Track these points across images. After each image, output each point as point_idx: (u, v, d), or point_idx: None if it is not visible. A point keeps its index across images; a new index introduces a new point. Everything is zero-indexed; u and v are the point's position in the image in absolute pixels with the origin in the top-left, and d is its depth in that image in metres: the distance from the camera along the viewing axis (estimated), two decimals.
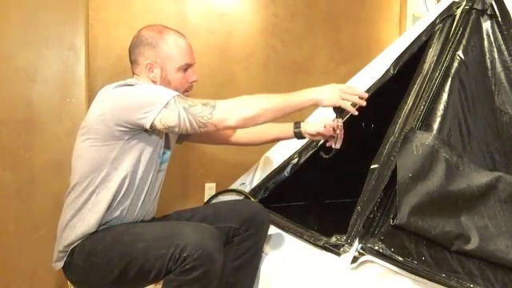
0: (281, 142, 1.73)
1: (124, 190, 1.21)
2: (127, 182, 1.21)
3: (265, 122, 1.25)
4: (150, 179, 1.27)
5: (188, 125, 1.17)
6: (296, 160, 1.64)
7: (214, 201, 1.67)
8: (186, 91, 1.34)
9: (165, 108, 1.15)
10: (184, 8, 2.13)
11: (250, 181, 1.70)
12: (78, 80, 1.73)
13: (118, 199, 1.21)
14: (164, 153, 1.32)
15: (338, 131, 1.39)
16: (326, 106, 1.28)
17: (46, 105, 1.70)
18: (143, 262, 1.07)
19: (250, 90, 2.21)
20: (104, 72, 1.93)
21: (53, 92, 1.71)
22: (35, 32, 1.67)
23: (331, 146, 1.41)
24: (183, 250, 1.02)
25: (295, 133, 1.48)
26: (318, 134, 1.44)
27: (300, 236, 1.30)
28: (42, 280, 1.75)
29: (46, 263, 1.77)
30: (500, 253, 1.11)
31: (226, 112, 1.18)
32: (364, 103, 1.29)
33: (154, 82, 1.29)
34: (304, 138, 1.50)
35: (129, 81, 1.27)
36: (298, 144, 1.64)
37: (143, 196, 1.26)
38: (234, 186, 1.73)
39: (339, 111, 1.36)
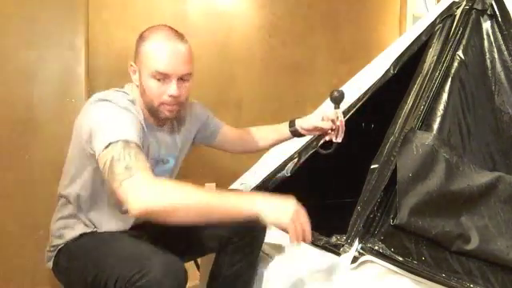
0: None
1: (95, 200, 1.19)
2: (93, 193, 1.18)
3: (181, 223, 0.98)
4: None
5: (107, 176, 1.02)
6: (296, 160, 1.64)
7: None
8: (164, 104, 1.18)
9: (105, 148, 1.02)
10: (184, 8, 2.13)
11: (249, 181, 1.70)
12: (77, 80, 1.74)
13: (94, 210, 1.19)
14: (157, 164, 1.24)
15: (337, 122, 1.31)
16: (269, 224, 1.01)
17: (45, 105, 1.70)
18: (108, 276, 1.04)
19: (250, 90, 2.22)
20: (104, 72, 1.93)
21: (53, 92, 1.71)
22: (35, 32, 1.67)
23: (331, 141, 1.36)
24: (140, 279, 0.97)
25: (291, 132, 1.43)
26: (316, 128, 1.37)
27: None
28: (42, 280, 1.75)
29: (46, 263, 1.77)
30: (500, 253, 1.11)
31: (134, 192, 0.96)
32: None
33: (137, 86, 1.21)
34: (303, 135, 1.44)
35: (109, 94, 1.15)
36: (298, 144, 1.63)
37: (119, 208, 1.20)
38: (234, 186, 1.73)
39: (336, 100, 1.29)
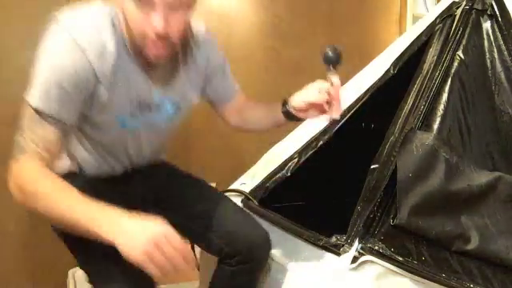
0: (281, 142, 1.73)
1: (79, 137, 1.06)
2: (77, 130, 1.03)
3: (46, 216, 0.86)
4: (108, 141, 1.06)
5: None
6: (296, 160, 1.64)
7: None
8: (149, 42, 0.91)
9: (27, 102, 0.91)
10: None
11: (250, 181, 1.70)
12: None
13: (79, 146, 1.08)
14: (135, 116, 1.02)
15: (331, 91, 1.05)
16: (125, 254, 0.78)
17: None
18: (80, 262, 1.04)
19: (251, 91, 2.22)
20: None
21: None
22: (35, 32, 1.67)
23: (331, 122, 1.12)
24: None
25: (284, 113, 1.17)
26: (308, 104, 1.10)
27: (300, 236, 1.30)
28: (42, 280, 1.75)
29: (46, 263, 1.77)
30: (500, 253, 1.11)
31: (12, 177, 0.90)
32: None
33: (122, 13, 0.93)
34: (297, 118, 1.16)
35: (80, 16, 0.92)
36: (298, 144, 1.64)
37: (104, 153, 1.08)
38: (234, 186, 1.73)
39: (331, 60, 1.05)
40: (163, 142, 1.21)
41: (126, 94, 0.99)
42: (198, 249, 1.38)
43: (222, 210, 1.20)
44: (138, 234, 0.78)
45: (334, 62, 1.07)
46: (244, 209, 1.36)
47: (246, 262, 1.16)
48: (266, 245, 1.20)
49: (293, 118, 1.18)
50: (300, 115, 1.16)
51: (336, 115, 1.08)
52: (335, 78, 1.06)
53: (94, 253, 0.96)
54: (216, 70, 1.21)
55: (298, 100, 1.13)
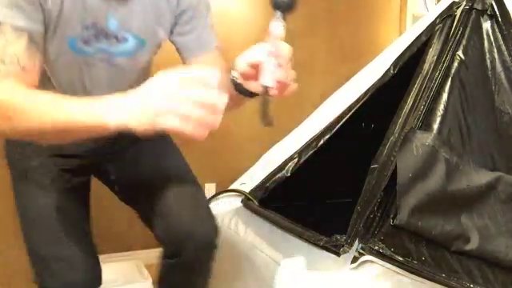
0: (281, 142, 1.73)
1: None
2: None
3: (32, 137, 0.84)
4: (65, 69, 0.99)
5: None
6: (296, 160, 1.64)
7: (214, 202, 1.67)
8: None
9: None
10: None
11: (250, 181, 1.70)
12: None
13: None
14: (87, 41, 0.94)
15: (272, 48, 0.82)
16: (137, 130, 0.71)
17: None
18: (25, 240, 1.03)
19: None
20: None
21: None
22: None
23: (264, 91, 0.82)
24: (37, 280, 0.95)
25: (232, 82, 0.92)
26: (249, 64, 0.87)
27: (300, 236, 1.30)
28: None
29: None
30: (500, 253, 1.11)
31: None
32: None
33: None
34: (248, 92, 0.91)
35: None
36: (298, 144, 1.63)
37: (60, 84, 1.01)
38: (233, 186, 1.73)
39: (281, 5, 0.83)
40: (129, 84, 0.98)
41: (79, 14, 0.91)
42: None
43: (172, 200, 1.09)
44: (143, 111, 0.70)
45: (284, 7, 0.84)
46: (204, 200, 1.20)
47: (185, 260, 1.06)
48: (208, 247, 1.08)
49: (243, 91, 0.93)
50: (249, 86, 0.91)
51: (268, 81, 0.82)
52: (277, 27, 0.80)
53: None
54: (188, 9, 1.06)
55: (241, 63, 0.89)
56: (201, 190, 1.19)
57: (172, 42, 1.09)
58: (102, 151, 1.12)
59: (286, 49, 0.88)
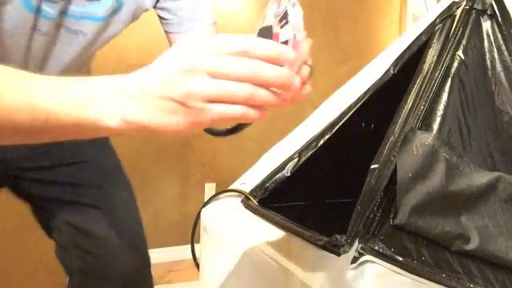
0: (281, 142, 1.73)
1: None
2: None
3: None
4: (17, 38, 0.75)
5: None
6: (296, 160, 1.64)
7: (214, 201, 1.67)
8: None
9: None
10: None
11: (249, 181, 1.70)
12: None
13: None
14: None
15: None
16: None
17: None
18: None
19: None
20: (104, 72, 1.92)
21: None
22: None
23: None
24: None
25: None
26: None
27: (300, 236, 1.30)
28: (42, 280, 1.75)
29: (45, 263, 1.77)
30: (500, 253, 1.11)
31: None
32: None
33: None
34: None
35: None
36: (298, 144, 1.64)
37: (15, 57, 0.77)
38: (233, 186, 1.73)
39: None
40: (79, 64, 0.85)
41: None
42: (198, 249, 1.38)
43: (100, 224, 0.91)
44: (143, 99, 0.46)
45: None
46: (136, 226, 1.05)
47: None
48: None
49: None
50: None
51: None
52: (296, 13, 0.61)
53: None
54: None
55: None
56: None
57: (160, 9, 0.90)
58: (18, 155, 0.89)
59: (306, 44, 0.63)
